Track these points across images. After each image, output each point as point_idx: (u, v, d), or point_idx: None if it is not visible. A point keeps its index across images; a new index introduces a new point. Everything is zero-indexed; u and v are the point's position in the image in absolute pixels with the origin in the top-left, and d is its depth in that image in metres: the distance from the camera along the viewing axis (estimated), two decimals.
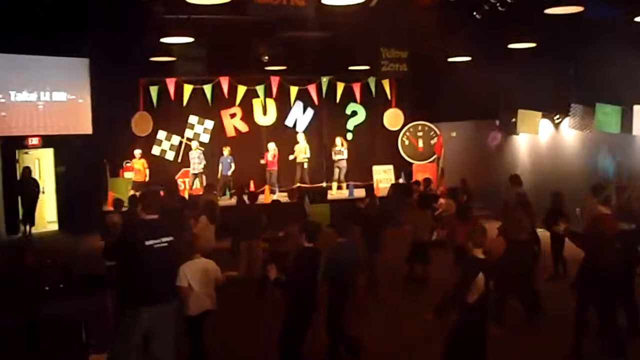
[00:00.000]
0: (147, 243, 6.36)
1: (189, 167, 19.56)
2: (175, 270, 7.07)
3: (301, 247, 7.64)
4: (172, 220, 12.03)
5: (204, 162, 19.24)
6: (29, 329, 9.04)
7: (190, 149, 19.49)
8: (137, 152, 18.99)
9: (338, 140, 20.10)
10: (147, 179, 18.84)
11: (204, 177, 19.10)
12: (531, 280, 9.70)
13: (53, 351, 8.93)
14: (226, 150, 19.44)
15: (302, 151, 19.88)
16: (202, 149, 19.79)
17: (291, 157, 19.83)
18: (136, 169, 18.89)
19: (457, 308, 6.60)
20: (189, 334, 7.79)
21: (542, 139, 17.57)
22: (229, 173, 19.35)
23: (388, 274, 12.14)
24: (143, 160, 19.02)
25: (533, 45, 14.48)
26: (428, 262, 12.09)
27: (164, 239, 6.47)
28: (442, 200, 14.45)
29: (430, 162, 21.35)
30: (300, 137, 20.14)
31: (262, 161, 19.65)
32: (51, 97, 16.37)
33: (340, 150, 19.96)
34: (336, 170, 20.04)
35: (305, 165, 19.90)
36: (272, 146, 19.72)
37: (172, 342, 6.74)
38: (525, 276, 9.36)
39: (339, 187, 20.03)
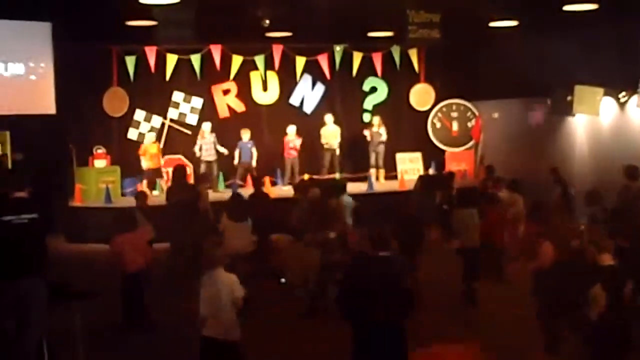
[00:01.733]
0: (5, 219, 7.81)
1: (173, 153, 19.69)
2: (41, 246, 8.25)
3: (367, 256, 7.36)
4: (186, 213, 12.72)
5: (220, 148, 19.45)
6: None
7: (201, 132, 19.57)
8: (151, 135, 19.24)
9: (376, 119, 20.43)
10: (161, 166, 19.17)
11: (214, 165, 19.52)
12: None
13: None
14: (246, 134, 19.54)
15: (333, 136, 20.22)
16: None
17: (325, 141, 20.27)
18: (151, 154, 18.99)
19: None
20: None
21: (603, 122, 17.42)
22: (253, 162, 19.55)
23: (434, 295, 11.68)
24: (158, 144, 19.30)
25: (594, 6, 14.30)
26: (478, 277, 11.78)
27: (24, 216, 7.86)
28: (502, 194, 14.25)
29: (466, 149, 21.30)
30: (329, 119, 20.36)
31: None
32: (6, 69, 16.31)
33: (378, 132, 20.32)
34: (372, 156, 20.42)
35: (337, 152, 20.27)
36: (292, 130, 19.88)
37: (38, 320, 8.01)
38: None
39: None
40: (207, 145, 19.31)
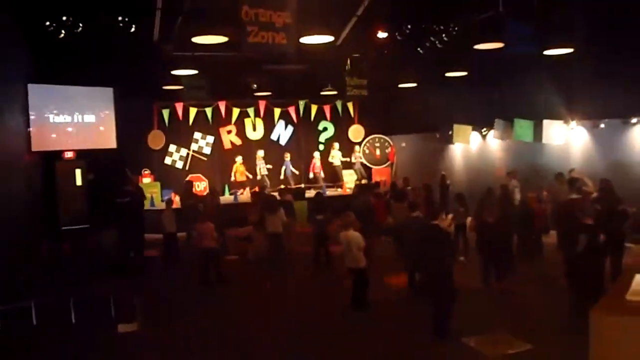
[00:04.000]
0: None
1: (195, 173, 19.47)
2: (135, 213, 10.73)
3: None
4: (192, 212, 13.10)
5: (265, 166, 19.57)
6: (64, 306, 8.85)
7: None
8: (239, 159, 19.26)
9: (358, 147, 20.77)
10: (246, 179, 19.19)
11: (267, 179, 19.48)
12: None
13: (88, 324, 8.74)
14: (287, 156, 19.84)
15: (337, 157, 20.53)
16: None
17: (358, 159, 20.67)
18: (240, 172, 19.12)
19: None
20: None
21: (472, 147, 17.71)
22: (296, 171, 20.15)
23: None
24: (244, 165, 19.31)
25: (465, 73, 14.51)
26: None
27: (126, 199, 10.07)
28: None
29: (385, 166, 21.38)
30: (337, 145, 20.68)
31: (358, 159, 20.64)
32: (83, 119, 16.07)
33: (359, 156, 20.80)
34: (357, 172, 20.76)
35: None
36: (317, 155, 20.47)
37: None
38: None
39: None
40: (262, 165, 19.44)
